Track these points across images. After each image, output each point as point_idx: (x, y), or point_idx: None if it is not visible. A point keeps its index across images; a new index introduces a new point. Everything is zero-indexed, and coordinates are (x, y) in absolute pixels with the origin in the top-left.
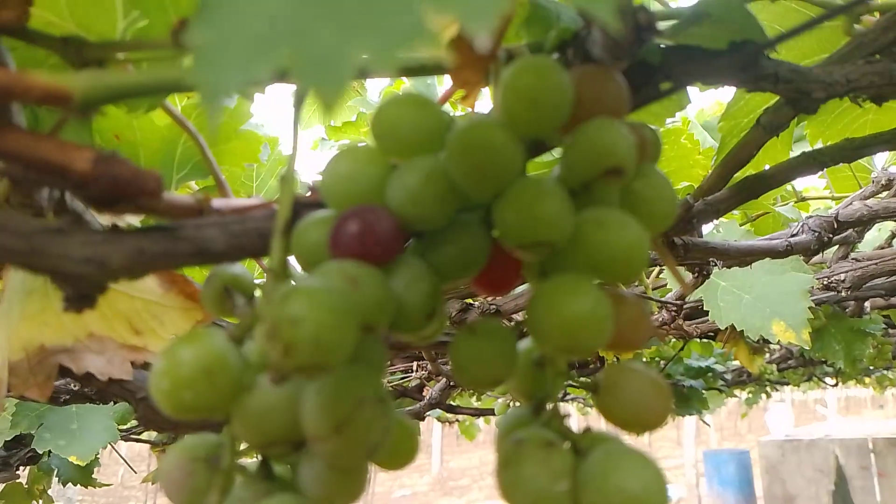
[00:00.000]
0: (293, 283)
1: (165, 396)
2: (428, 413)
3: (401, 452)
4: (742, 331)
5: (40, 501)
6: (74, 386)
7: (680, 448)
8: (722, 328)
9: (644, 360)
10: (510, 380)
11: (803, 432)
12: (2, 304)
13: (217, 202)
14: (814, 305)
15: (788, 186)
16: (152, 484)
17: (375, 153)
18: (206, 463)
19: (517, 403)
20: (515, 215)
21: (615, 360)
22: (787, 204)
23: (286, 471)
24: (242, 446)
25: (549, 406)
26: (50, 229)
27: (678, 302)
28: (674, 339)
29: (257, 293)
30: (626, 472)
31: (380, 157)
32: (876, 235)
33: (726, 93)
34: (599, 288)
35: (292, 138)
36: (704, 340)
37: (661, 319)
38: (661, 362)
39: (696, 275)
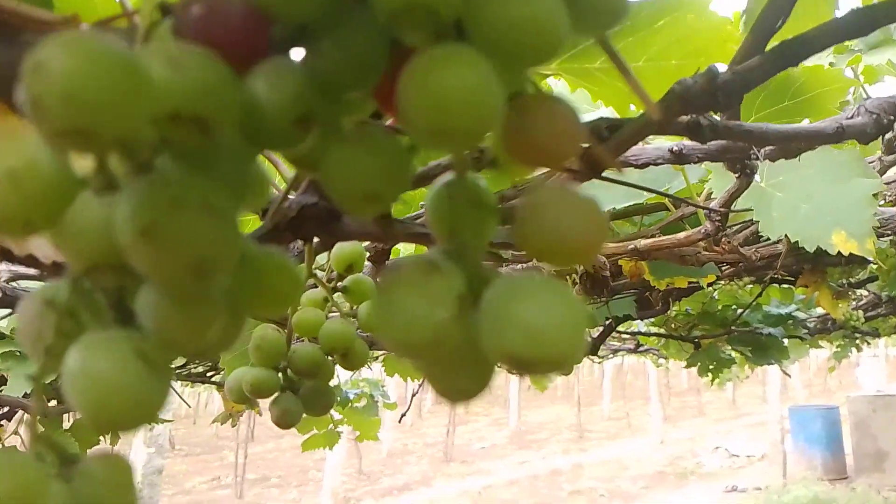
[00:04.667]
0: None
1: None
2: None
3: (272, 292)
4: (823, 273)
5: (108, 437)
6: None
7: (765, 404)
8: (773, 239)
9: (719, 306)
10: (432, 221)
11: None
12: None
13: None
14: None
15: None
16: (221, 424)
17: None
18: (52, 304)
19: None
20: None
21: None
22: None
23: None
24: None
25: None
26: None
27: (722, 209)
28: (750, 286)
29: None
30: (532, 302)
31: None
32: None
33: None
34: (488, 63)
35: None
36: (784, 286)
37: (704, 231)
38: (738, 310)
39: (739, 174)
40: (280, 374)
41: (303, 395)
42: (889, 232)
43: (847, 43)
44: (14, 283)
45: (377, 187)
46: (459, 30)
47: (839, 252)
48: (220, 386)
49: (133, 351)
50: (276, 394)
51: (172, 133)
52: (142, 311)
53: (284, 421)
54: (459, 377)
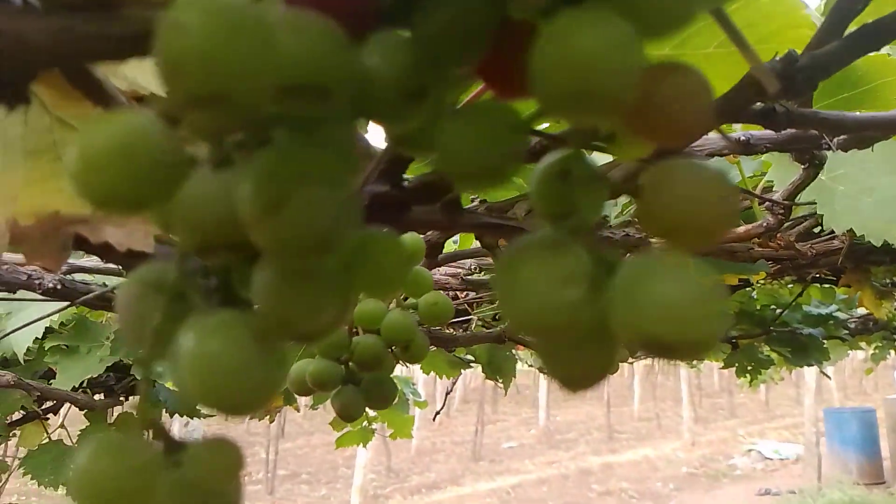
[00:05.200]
0: None
1: (78, 182)
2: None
3: (382, 272)
4: (867, 271)
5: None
6: None
7: (799, 406)
8: (838, 233)
9: (757, 306)
10: (532, 197)
11: None
12: None
13: None
14: None
15: None
16: (259, 420)
17: None
18: (157, 287)
19: None
20: None
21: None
22: None
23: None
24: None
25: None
26: None
27: (786, 202)
28: (790, 285)
29: None
30: (673, 281)
31: None
32: None
33: None
34: (629, 24)
35: None
36: (825, 285)
37: (766, 224)
38: (777, 309)
39: (806, 165)
40: (342, 367)
41: (364, 388)
42: None
43: None
44: (71, 276)
45: (491, 159)
46: None
47: (884, 250)
48: None
49: (249, 332)
50: (338, 387)
51: (292, 103)
52: (255, 290)
53: (347, 413)
54: (584, 362)
